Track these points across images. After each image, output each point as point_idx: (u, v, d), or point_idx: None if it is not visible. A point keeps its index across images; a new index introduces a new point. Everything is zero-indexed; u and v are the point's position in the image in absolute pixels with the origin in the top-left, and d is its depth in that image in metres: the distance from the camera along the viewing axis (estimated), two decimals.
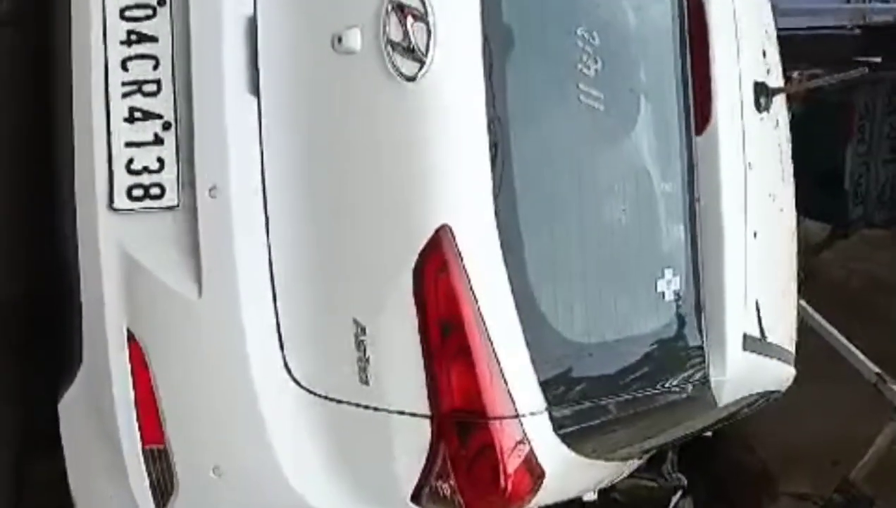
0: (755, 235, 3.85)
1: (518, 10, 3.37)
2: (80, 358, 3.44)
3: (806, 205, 4.77)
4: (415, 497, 3.31)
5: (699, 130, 3.70)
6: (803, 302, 5.41)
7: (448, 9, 3.24)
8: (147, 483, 3.39)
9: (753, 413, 4.40)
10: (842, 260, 7.42)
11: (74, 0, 3.39)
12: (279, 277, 3.32)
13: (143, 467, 3.38)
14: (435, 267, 3.22)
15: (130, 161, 3.36)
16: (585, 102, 3.46)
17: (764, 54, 4.19)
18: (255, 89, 3.31)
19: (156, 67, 3.35)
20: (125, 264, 3.36)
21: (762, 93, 3.98)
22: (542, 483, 3.33)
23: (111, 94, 3.35)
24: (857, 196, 7.39)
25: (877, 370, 6.15)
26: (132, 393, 3.37)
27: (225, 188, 3.30)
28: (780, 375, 4.25)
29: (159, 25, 3.35)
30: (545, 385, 3.31)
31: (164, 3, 3.35)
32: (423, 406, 3.24)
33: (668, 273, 3.61)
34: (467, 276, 3.23)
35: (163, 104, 3.35)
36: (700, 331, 3.68)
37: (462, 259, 3.22)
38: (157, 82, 3.35)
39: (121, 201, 3.36)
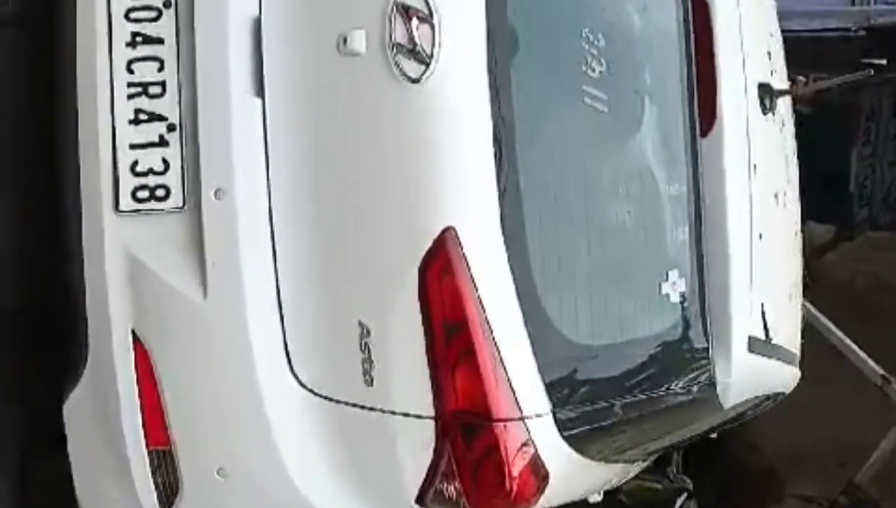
0: (760, 236, 3.85)
1: (523, 12, 3.37)
2: (85, 360, 3.44)
3: (811, 207, 4.77)
4: (420, 499, 3.30)
5: (704, 132, 3.70)
6: (808, 304, 5.41)
7: (453, 11, 3.24)
8: (152, 484, 3.39)
9: (759, 415, 4.40)
10: (846, 262, 7.42)
11: (79, 1, 3.39)
12: (284, 278, 3.32)
13: (148, 468, 3.38)
14: (440, 269, 3.22)
15: (135, 163, 3.36)
16: (590, 103, 3.46)
17: (769, 56, 4.19)
18: (260, 91, 3.31)
19: (161, 69, 3.35)
20: (130, 266, 3.36)
21: (767, 94, 3.99)
22: (547, 484, 3.33)
23: (116, 95, 3.35)
24: (863, 198, 7.38)
25: (882, 371, 6.15)
26: (137, 395, 3.37)
27: (230, 190, 3.30)
28: (785, 377, 4.25)
29: (164, 27, 3.35)
30: (550, 387, 3.31)
31: (170, 4, 3.35)
32: (428, 408, 3.24)
33: (673, 275, 3.61)
34: (472, 278, 3.23)
35: (168, 106, 3.35)
36: (705, 333, 3.68)
37: (467, 261, 3.23)
38: (163, 84, 3.35)
39: (126, 202, 3.36)
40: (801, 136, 4.60)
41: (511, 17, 3.32)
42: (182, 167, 3.35)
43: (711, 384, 3.70)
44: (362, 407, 3.29)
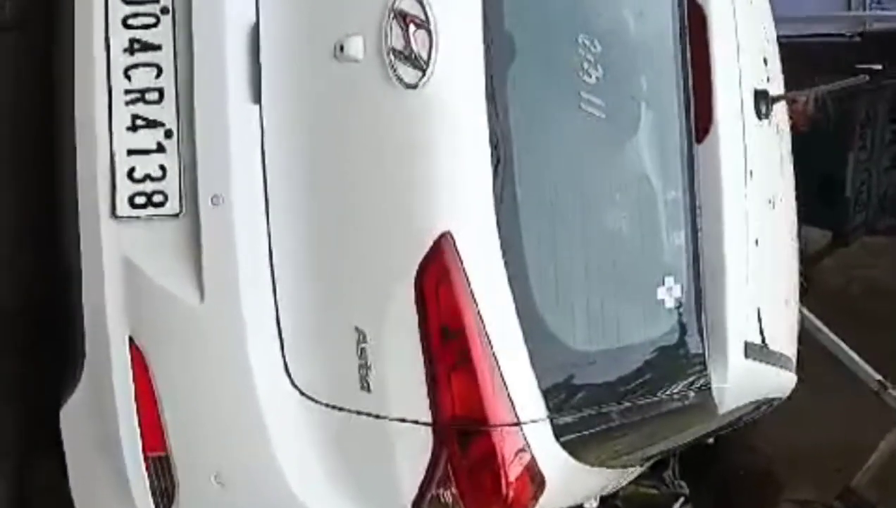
0: (756, 242, 3.86)
1: (519, 18, 3.37)
2: (82, 364, 3.44)
3: (807, 212, 4.77)
4: (416, 505, 3.31)
5: (700, 138, 3.70)
6: (804, 309, 5.41)
7: (450, 17, 3.24)
8: (148, 490, 3.39)
9: (755, 420, 4.40)
10: (843, 267, 7.42)
11: (78, 8, 3.40)
12: (281, 284, 3.33)
13: (145, 474, 3.38)
14: (436, 275, 3.22)
15: (133, 169, 3.36)
16: (586, 109, 3.46)
17: (765, 62, 4.19)
18: (258, 97, 3.32)
19: (158, 76, 3.35)
20: (127, 272, 3.37)
21: (763, 100, 3.99)
22: (543, 490, 3.33)
23: (114, 102, 3.36)
24: (859, 204, 7.38)
25: (878, 377, 6.15)
26: (134, 400, 3.37)
27: (227, 196, 3.30)
28: (781, 382, 4.25)
29: (162, 34, 3.36)
30: (546, 393, 3.32)
31: (168, 11, 3.35)
32: (425, 414, 3.24)
33: (669, 281, 3.61)
34: (469, 283, 3.23)
35: (165, 112, 3.36)
36: (701, 338, 3.68)
37: (463, 267, 3.23)
38: (160, 91, 3.35)
39: (123, 208, 3.36)
40: (797, 141, 4.61)
41: (508, 24, 3.33)
42: (179, 173, 3.35)
43: (707, 389, 3.70)
44: (359, 413, 3.29)
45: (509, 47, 3.34)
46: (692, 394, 3.68)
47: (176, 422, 3.36)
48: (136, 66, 3.36)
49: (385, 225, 3.26)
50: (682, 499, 5.13)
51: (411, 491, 3.29)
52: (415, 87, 3.23)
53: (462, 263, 3.23)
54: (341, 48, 3.25)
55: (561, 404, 3.35)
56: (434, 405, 3.23)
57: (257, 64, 3.31)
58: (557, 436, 3.34)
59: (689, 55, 3.70)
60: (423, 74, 3.23)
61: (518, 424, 3.26)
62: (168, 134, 3.36)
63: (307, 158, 3.31)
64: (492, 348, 3.23)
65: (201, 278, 3.31)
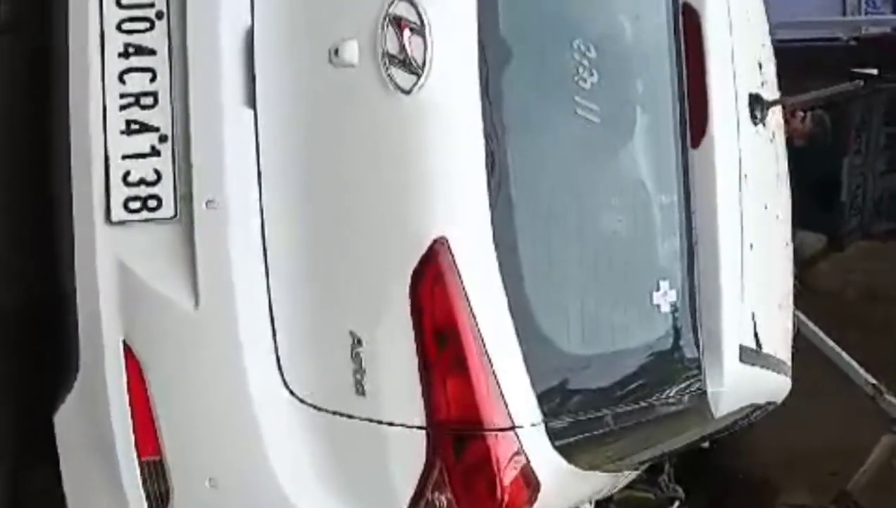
0: (751, 246, 3.86)
1: (515, 23, 3.37)
2: (77, 369, 3.44)
3: (802, 216, 4.78)
4: None
5: (695, 143, 3.70)
6: (799, 313, 5.42)
7: (445, 22, 3.25)
8: (143, 494, 3.39)
9: (751, 424, 4.41)
10: (838, 271, 7.43)
11: (72, 12, 3.40)
12: (276, 288, 3.33)
13: (139, 479, 3.38)
14: (431, 279, 3.22)
15: (127, 173, 3.36)
16: (581, 114, 3.47)
17: (760, 67, 4.19)
18: (252, 102, 3.31)
19: (153, 80, 3.35)
20: (122, 275, 3.36)
21: (758, 105, 3.99)
22: (538, 494, 3.33)
23: (108, 106, 3.36)
24: (854, 208, 7.39)
25: (873, 381, 6.16)
26: (128, 405, 3.37)
27: (222, 200, 3.30)
28: (776, 386, 4.25)
29: (157, 38, 3.36)
30: (541, 397, 3.32)
31: (162, 15, 3.35)
32: (420, 418, 3.24)
33: (664, 285, 3.61)
34: (463, 288, 3.24)
35: (160, 116, 3.36)
36: (696, 343, 3.68)
37: (458, 271, 3.23)
38: (155, 95, 3.35)
39: (118, 212, 3.36)
40: (792, 145, 4.61)
41: (503, 29, 3.33)
42: (174, 178, 3.35)
43: (702, 393, 3.70)
44: (353, 417, 3.29)
45: (504, 53, 3.34)
46: (687, 398, 3.68)
47: (170, 426, 3.36)
48: (130, 70, 3.36)
49: (380, 230, 3.26)
50: (677, 503, 5.13)
51: (405, 496, 3.29)
52: (409, 91, 3.23)
53: (457, 267, 3.23)
54: (336, 52, 3.26)
55: (556, 408, 3.35)
56: (429, 410, 3.23)
57: (252, 68, 3.31)
58: (552, 440, 3.34)
59: (684, 60, 3.70)
60: (418, 79, 3.23)
61: (513, 428, 3.26)
62: (163, 138, 3.36)
63: (302, 163, 3.31)
64: (487, 352, 3.23)
65: (196, 281, 3.31)
